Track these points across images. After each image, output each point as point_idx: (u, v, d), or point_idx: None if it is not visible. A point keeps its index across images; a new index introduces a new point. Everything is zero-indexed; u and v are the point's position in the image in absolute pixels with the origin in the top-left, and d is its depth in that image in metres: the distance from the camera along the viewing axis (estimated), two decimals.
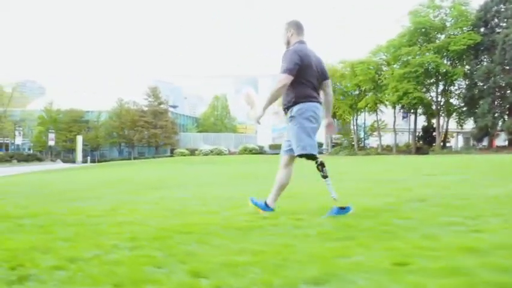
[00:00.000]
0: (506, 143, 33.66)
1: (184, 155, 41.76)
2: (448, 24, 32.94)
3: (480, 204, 3.71)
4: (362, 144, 41.40)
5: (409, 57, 32.31)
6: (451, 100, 34.71)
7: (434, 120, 35.69)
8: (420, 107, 34.69)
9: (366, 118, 41.43)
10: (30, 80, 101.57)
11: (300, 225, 2.98)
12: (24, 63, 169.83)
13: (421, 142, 37.35)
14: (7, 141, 52.29)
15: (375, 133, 40.16)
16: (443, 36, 32.96)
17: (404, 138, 45.53)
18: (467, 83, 33.12)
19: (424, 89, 33.89)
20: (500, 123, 30.57)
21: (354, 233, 2.55)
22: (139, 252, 2.23)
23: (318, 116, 3.47)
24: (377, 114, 37.22)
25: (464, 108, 33.75)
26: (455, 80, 32.82)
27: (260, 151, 42.27)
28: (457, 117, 35.03)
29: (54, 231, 2.96)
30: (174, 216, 3.62)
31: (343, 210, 3.29)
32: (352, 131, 41.00)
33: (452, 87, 34.39)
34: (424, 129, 37.88)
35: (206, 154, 39.91)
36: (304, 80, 3.41)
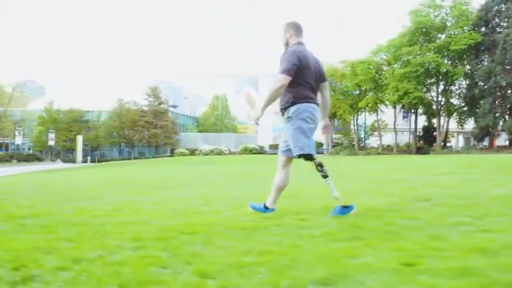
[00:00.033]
0: (507, 143, 33.62)
1: (185, 155, 41.74)
2: (448, 23, 32.86)
3: (485, 204, 3.68)
4: (362, 144, 41.36)
5: (410, 57, 32.24)
6: (452, 100, 34.63)
7: (434, 120, 35.63)
8: (421, 106, 34.61)
9: (366, 118, 41.38)
10: (30, 80, 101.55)
11: (304, 225, 2.96)
12: (24, 63, 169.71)
13: (421, 142, 37.30)
14: (7, 141, 52.27)
15: (376, 133, 40.12)
16: (444, 36, 32.88)
17: (405, 138, 45.50)
18: (468, 82, 33.04)
19: (425, 89, 33.81)
20: (501, 123, 30.48)
21: (360, 233, 2.52)
22: (143, 253, 2.21)
23: (314, 116, 3.48)
24: (377, 114, 37.17)
25: (465, 108, 33.67)
26: (456, 79, 32.75)
27: (260, 151, 42.26)
28: (457, 117, 34.95)
29: (57, 232, 2.94)
30: (177, 216, 3.60)
31: (346, 209, 3.27)
32: (353, 131, 40.96)
33: (452, 87, 34.31)
34: (425, 129, 37.83)
35: (206, 154, 39.88)
36: (302, 81, 3.42)
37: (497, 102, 30.41)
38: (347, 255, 2.00)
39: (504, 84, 29.37)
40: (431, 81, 33.84)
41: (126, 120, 53.36)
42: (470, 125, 34.77)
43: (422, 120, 38.10)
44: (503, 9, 30.73)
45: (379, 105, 36.04)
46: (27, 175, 16.67)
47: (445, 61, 32.47)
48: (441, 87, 33.94)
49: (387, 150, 37.12)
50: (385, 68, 35.21)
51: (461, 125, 35.34)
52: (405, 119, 41.67)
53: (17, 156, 44.79)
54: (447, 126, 34.93)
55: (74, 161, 47.67)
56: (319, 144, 47.31)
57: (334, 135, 44.32)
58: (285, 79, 3.35)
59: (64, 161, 47.39)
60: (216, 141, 52.72)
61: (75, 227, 3.12)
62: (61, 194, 6.34)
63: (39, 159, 46.05)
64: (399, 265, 1.80)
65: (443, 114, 34.09)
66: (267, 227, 2.95)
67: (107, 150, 57.97)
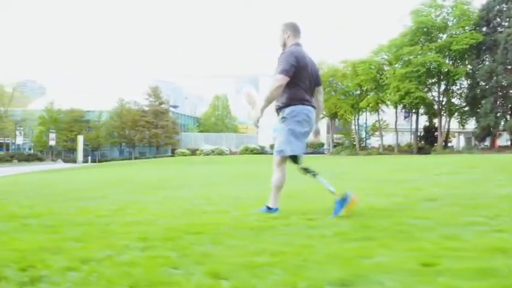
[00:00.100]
0: (509, 143, 33.58)
1: (185, 155, 41.68)
2: (450, 23, 32.82)
3: (495, 203, 3.63)
4: (363, 144, 41.31)
5: (411, 57, 32.21)
6: (453, 100, 34.62)
7: (436, 120, 35.59)
8: (422, 106, 34.60)
9: (367, 118, 41.34)
10: (30, 80, 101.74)
11: (312, 225, 2.92)
12: (25, 63, 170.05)
13: (422, 142, 37.27)
14: (8, 141, 52.25)
15: (377, 133, 40.07)
16: (445, 36, 32.84)
17: (406, 138, 45.44)
18: (469, 82, 33.00)
19: (426, 89, 33.79)
20: (502, 123, 30.44)
21: (371, 233, 2.48)
22: (152, 253, 2.17)
23: (310, 119, 3.49)
24: (378, 114, 37.12)
25: (466, 108, 33.63)
26: (457, 79, 32.73)
27: (261, 151, 42.21)
28: (459, 117, 34.93)
29: (62, 231, 2.90)
30: (182, 216, 3.57)
31: (344, 200, 3.23)
32: (354, 131, 40.94)
33: (454, 86, 34.29)
34: (426, 129, 37.80)
35: (207, 154, 39.85)
36: (299, 81, 3.42)
37: (498, 102, 30.35)
38: (361, 255, 1.96)
39: (505, 84, 29.32)
40: (433, 81, 33.81)
41: (127, 120, 53.35)
42: (471, 125, 34.72)
43: (423, 120, 38.08)
44: (505, 8, 30.69)
45: (380, 105, 36.01)
46: (27, 175, 16.63)
47: (447, 61, 32.45)
48: (442, 87, 33.91)
49: (388, 150, 37.09)
50: (386, 67, 35.19)
51: (463, 125, 35.31)
52: (406, 119, 41.61)
53: (17, 156, 44.77)
54: (448, 126, 34.89)
55: (74, 161, 47.64)
56: (320, 145, 47.32)
57: (335, 135, 44.28)
58: (283, 79, 3.35)
59: (65, 161, 47.35)
60: (217, 141, 52.67)
61: (80, 227, 3.08)
62: (62, 194, 6.30)
63: (40, 159, 46.02)
64: (417, 265, 1.76)
65: (445, 114, 34.04)
66: (274, 226, 2.91)
67: (108, 150, 57.95)
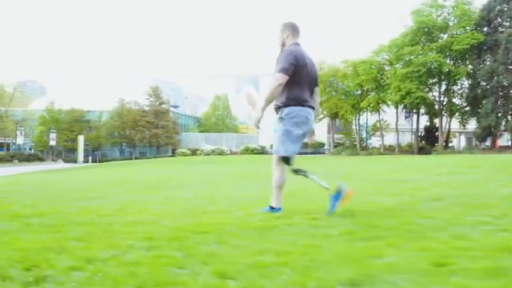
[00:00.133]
0: (510, 143, 33.55)
1: (186, 155, 41.65)
2: (451, 23, 32.79)
3: (497, 203, 3.61)
4: (364, 144, 41.25)
5: (412, 57, 32.18)
6: (454, 100, 34.58)
7: (436, 120, 35.55)
8: (423, 106, 34.57)
9: (368, 118, 41.30)
10: (31, 80, 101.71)
11: (316, 224, 2.90)
12: (25, 63, 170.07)
13: (423, 142, 37.23)
14: (8, 141, 52.26)
15: (377, 133, 40.03)
16: (446, 36, 32.82)
17: (407, 138, 45.40)
18: (470, 82, 32.97)
19: (427, 89, 33.76)
20: (503, 123, 30.41)
21: (378, 232, 2.45)
22: (157, 253, 2.15)
23: (308, 120, 3.48)
24: (379, 114, 37.08)
25: (467, 108, 33.60)
26: (458, 79, 32.70)
27: (262, 151, 42.16)
28: (459, 117, 34.88)
29: (65, 231, 2.88)
30: (185, 216, 3.55)
31: (338, 194, 3.21)
32: (354, 131, 40.88)
33: (455, 86, 34.25)
34: (427, 129, 37.76)
35: (208, 154, 39.83)
36: (298, 81, 3.41)
37: (499, 102, 30.32)
38: (370, 255, 1.93)
39: (506, 84, 29.28)
40: (434, 81, 33.79)
41: (128, 120, 53.33)
42: (472, 125, 34.68)
43: (424, 120, 38.03)
44: (506, 9, 30.66)
45: (381, 105, 35.98)
46: (27, 175, 16.61)
47: (447, 61, 32.42)
48: (443, 87, 33.89)
49: (389, 150, 37.04)
50: (387, 67, 35.17)
51: (464, 125, 35.25)
52: (407, 119, 41.57)
53: (18, 156, 44.78)
54: (449, 126, 34.86)
55: (75, 161, 47.63)
56: (321, 145, 47.29)
57: (335, 136, 44.25)
58: (283, 78, 3.35)
59: (65, 161, 47.35)
60: (218, 141, 52.64)
61: (83, 227, 3.06)
62: (63, 194, 6.28)
63: (41, 159, 46.01)
64: (429, 265, 1.74)
65: (446, 114, 34.01)
66: (278, 226, 2.89)
67: (108, 150, 57.93)
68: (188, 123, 68.78)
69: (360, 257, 1.90)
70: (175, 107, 65.17)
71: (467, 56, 31.98)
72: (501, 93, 30.15)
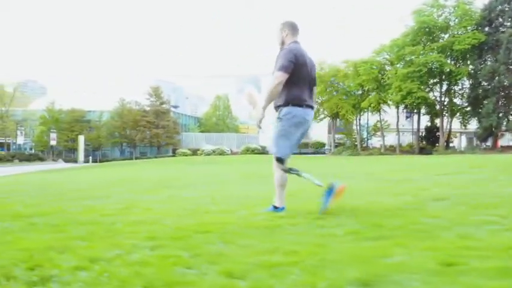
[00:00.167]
0: (511, 143, 33.50)
1: (186, 155, 41.63)
2: (452, 23, 32.76)
3: (500, 203, 3.60)
4: (365, 144, 41.20)
5: (413, 57, 32.14)
6: (455, 100, 34.52)
7: (437, 120, 35.51)
8: (424, 106, 34.51)
9: (369, 118, 41.27)
10: (31, 80, 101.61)
11: (320, 224, 2.88)
12: (25, 63, 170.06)
13: (424, 142, 37.19)
14: (9, 141, 52.25)
15: (378, 133, 39.99)
16: (447, 36, 32.78)
17: (408, 139, 45.36)
18: (471, 82, 32.93)
19: (428, 89, 33.72)
20: (504, 123, 30.38)
21: (384, 232, 2.44)
22: (163, 252, 2.13)
23: (307, 121, 3.49)
24: (380, 114, 37.04)
25: (468, 108, 33.56)
26: (459, 79, 32.65)
27: (262, 151, 42.13)
28: (460, 117, 34.84)
29: (68, 230, 2.87)
30: (188, 215, 3.54)
31: (330, 190, 3.20)
32: (355, 131, 40.83)
33: (456, 86, 34.20)
34: (428, 129, 37.71)
35: (208, 154, 39.80)
36: (298, 80, 3.41)
37: (500, 102, 30.28)
38: (378, 255, 1.91)
39: (508, 84, 29.24)
40: (435, 81, 33.74)
41: (128, 120, 53.27)
42: (473, 125, 34.64)
43: (425, 121, 37.98)
44: (507, 8, 30.63)
45: (381, 105, 35.93)
46: (28, 175, 16.58)
47: (449, 61, 32.37)
48: (444, 87, 33.84)
49: (390, 150, 36.99)
50: (388, 67, 35.13)
51: (465, 125, 35.20)
52: (408, 119, 41.54)
53: (18, 156, 44.76)
54: (450, 126, 34.82)
55: (75, 161, 47.62)
56: (321, 145, 47.25)
57: (336, 136, 44.19)
58: (283, 76, 3.34)
59: (66, 161, 47.33)
60: (218, 141, 52.56)
61: (85, 226, 3.05)
62: (65, 193, 6.27)
63: (41, 159, 45.99)
64: (437, 265, 1.72)
65: (447, 114, 33.98)
66: (282, 226, 2.88)
67: (109, 150, 57.89)
68: (189, 123, 68.72)
69: (368, 257, 1.88)
70: (175, 107, 65.14)
71: (468, 56, 31.94)
72: (502, 93, 30.12)
